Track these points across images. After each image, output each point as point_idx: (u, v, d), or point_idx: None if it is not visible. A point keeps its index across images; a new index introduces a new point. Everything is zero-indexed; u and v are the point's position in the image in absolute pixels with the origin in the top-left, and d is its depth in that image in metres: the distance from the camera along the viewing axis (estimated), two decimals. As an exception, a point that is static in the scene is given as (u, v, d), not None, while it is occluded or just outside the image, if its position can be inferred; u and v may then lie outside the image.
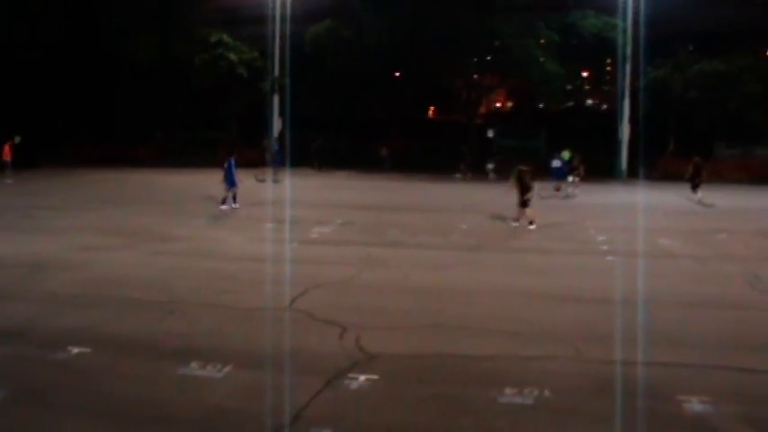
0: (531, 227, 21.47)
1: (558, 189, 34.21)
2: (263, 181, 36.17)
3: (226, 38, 52.05)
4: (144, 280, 13.17)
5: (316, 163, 48.46)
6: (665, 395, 7.78)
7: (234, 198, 24.70)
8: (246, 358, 8.72)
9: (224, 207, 24.42)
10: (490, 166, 43.44)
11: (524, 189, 21.88)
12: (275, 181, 36.01)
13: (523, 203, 22.02)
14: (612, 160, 47.05)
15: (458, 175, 43.46)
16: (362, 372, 8.29)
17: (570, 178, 34.03)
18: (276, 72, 53.40)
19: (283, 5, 53.44)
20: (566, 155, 38.87)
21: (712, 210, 28.31)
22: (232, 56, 51.12)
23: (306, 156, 47.13)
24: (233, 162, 24.59)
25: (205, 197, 27.72)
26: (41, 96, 50.65)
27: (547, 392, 7.76)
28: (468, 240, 19.37)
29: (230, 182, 24.47)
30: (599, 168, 44.23)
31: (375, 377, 8.13)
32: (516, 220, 22.32)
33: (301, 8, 53.97)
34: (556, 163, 35.08)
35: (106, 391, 7.73)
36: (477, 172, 43.48)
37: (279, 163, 38.65)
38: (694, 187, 31.40)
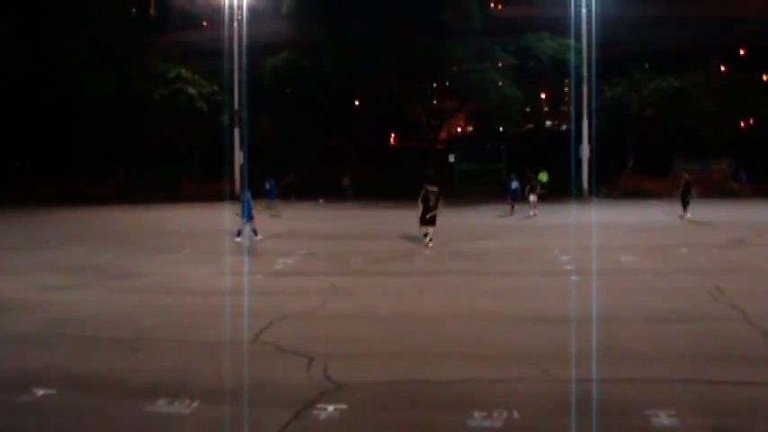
0: (429, 243, 22.78)
1: (513, 208, 34.76)
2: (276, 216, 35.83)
3: (184, 72, 51.98)
4: (108, 318, 13.03)
5: (293, 196, 47.66)
6: (632, 411, 7.83)
7: (239, 232, 24.60)
8: (214, 393, 8.65)
9: (239, 239, 24.41)
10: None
11: (426, 208, 22.86)
12: (272, 215, 35.31)
13: (427, 221, 22.99)
14: (573, 180, 47.40)
15: None
16: (331, 402, 8.25)
17: (531, 198, 34.32)
18: (236, 105, 53.42)
19: (240, 38, 53.59)
20: (543, 176, 40.00)
21: (673, 225, 28.61)
22: (191, 90, 51.04)
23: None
24: (249, 196, 24.70)
25: (166, 232, 27.57)
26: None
27: (515, 414, 7.77)
28: (432, 265, 19.43)
29: (247, 215, 24.54)
30: (560, 188, 44.66)
31: (343, 406, 8.10)
32: (427, 237, 23.09)
33: (259, 41, 54.12)
34: (514, 184, 35.59)
35: (74, 433, 7.65)
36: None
37: (272, 196, 38.45)
38: (685, 205, 31.13)
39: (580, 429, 7.36)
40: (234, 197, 44.79)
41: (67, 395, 8.71)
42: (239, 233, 24.46)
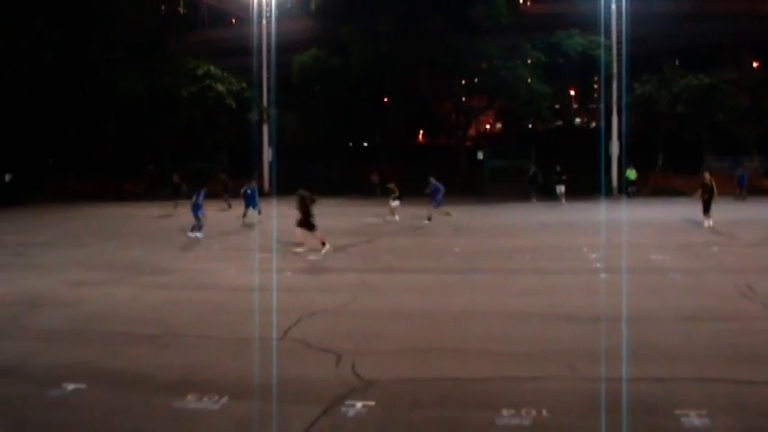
0: (299, 249, 21.26)
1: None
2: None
3: (213, 69, 52.17)
4: (137, 314, 13.11)
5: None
6: (662, 410, 7.76)
7: (194, 228, 25.15)
8: (243, 389, 8.68)
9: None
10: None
11: (306, 212, 21.63)
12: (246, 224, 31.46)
13: (309, 226, 21.57)
14: (602, 177, 47.18)
15: (533, 200, 42.79)
16: (359, 398, 8.26)
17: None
18: (264, 102, 53.60)
19: (269, 36, 53.78)
20: (631, 174, 40.06)
21: (702, 222, 28.23)
22: (220, 87, 51.20)
23: (297, 184, 46.73)
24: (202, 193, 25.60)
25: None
26: (31, 133, 50.69)
27: (544, 412, 7.73)
28: (462, 263, 19.34)
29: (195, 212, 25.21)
30: (589, 185, 44.45)
31: (372, 403, 8.10)
32: (301, 246, 21.57)
33: (287, 38, 54.30)
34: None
35: (102, 428, 7.68)
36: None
37: (254, 203, 31.97)
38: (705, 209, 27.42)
39: (609, 428, 7.30)
40: (263, 194, 44.96)
41: (97, 390, 8.76)
42: (194, 228, 25.01)
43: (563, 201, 39.38)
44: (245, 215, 30.67)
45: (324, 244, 21.18)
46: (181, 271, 18.48)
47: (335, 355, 9.97)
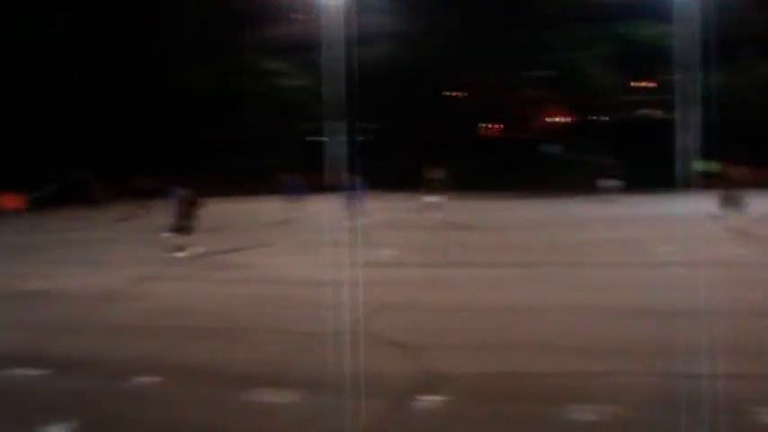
0: (179, 254, 20.06)
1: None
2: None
3: (282, 65, 52.45)
4: (208, 308, 13.27)
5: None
6: (739, 407, 7.55)
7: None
8: (312, 383, 8.70)
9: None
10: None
11: (182, 214, 20.38)
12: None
13: (179, 229, 20.33)
14: (678, 170, 46.23)
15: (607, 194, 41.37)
16: (430, 392, 8.22)
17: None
18: (332, 97, 53.78)
19: (337, 31, 53.94)
20: (711, 167, 39.59)
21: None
22: (288, 83, 51.44)
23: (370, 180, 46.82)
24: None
25: (265, 224, 27.89)
26: (107, 133, 51.57)
27: (617, 408, 7.59)
28: (530, 257, 19.18)
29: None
30: (662, 179, 43.67)
31: (443, 397, 8.05)
32: (181, 248, 20.29)
33: (355, 33, 54.44)
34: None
35: (176, 419, 7.78)
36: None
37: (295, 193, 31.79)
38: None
39: (684, 425, 7.15)
40: (334, 189, 45.14)
41: (170, 383, 8.88)
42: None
43: (614, 195, 38.53)
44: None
45: (183, 249, 20.17)
46: (251, 266, 18.62)
47: (406, 349, 9.96)
